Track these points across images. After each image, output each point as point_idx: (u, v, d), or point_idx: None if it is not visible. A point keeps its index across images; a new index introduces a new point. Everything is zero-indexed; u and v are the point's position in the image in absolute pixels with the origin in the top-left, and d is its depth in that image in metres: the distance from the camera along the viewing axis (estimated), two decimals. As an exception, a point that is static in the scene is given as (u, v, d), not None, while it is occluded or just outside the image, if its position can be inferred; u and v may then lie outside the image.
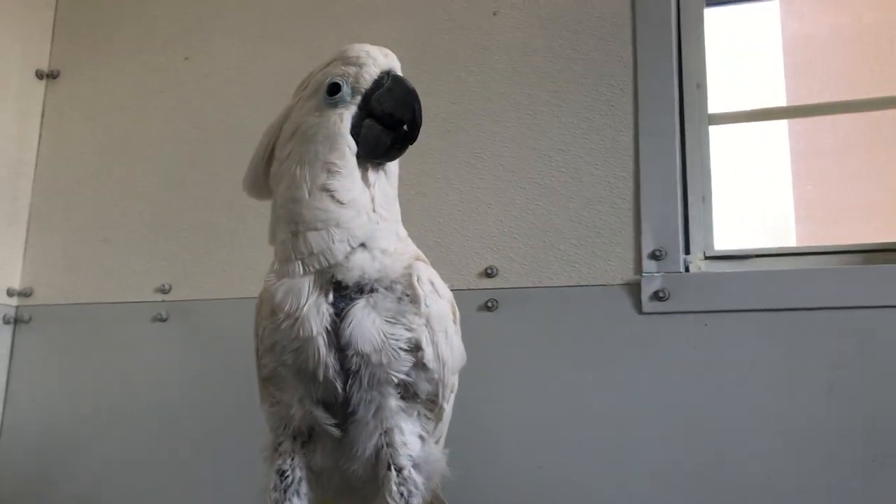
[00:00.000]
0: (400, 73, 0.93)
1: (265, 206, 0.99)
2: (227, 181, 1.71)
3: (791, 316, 1.37)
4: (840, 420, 1.31)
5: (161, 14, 1.89)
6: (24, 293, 1.80)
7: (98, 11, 1.95)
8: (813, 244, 1.60)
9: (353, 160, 0.91)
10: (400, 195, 1.59)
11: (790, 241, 2.04)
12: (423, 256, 0.96)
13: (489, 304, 1.52)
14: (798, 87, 2.10)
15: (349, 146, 0.91)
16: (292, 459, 0.94)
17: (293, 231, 0.91)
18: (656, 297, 1.44)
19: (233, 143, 1.73)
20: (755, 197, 2.06)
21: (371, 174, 0.92)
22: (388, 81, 0.92)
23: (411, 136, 0.92)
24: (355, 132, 0.91)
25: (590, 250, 1.50)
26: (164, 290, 1.71)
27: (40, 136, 1.88)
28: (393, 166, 0.95)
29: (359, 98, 0.92)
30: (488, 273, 1.54)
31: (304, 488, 0.94)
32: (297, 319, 0.88)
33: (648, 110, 1.53)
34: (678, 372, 1.40)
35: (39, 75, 1.92)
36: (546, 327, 1.49)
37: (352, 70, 0.92)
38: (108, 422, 1.68)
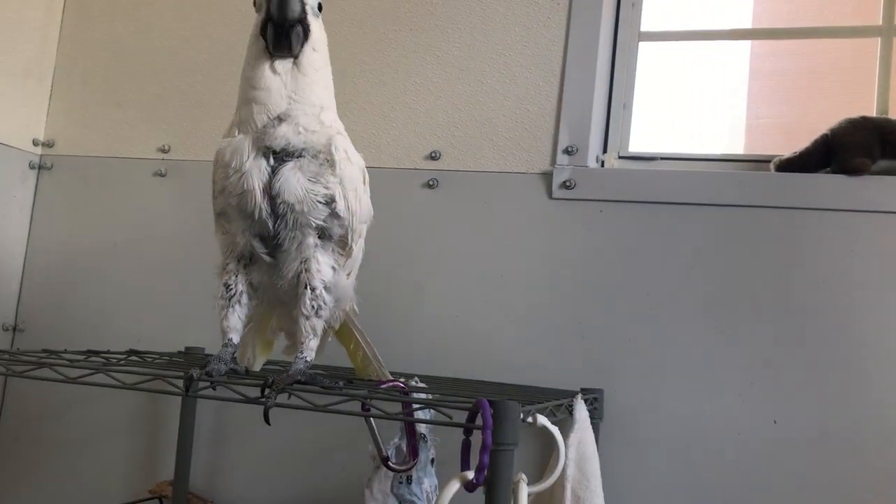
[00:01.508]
0: None
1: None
2: (224, 61, 1.98)
3: (670, 208, 1.65)
4: (696, 295, 1.61)
5: None
6: (48, 144, 2.11)
7: None
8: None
9: (263, 54, 1.17)
10: (362, 83, 1.86)
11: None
12: (344, 132, 1.24)
13: (431, 183, 1.81)
14: (764, 10, 2.27)
15: (259, 44, 1.18)
16: (236, 276, 1.24)
17: (237, 107, 1.20)
18: (564, 185, 1.72)
19: (231, 27, 1.99)
20: (710, 111, 2.23)
21: (278, 65, 1.18)
22: None
23: (283, 34, 1.16)
24: (264, 33, 1.17)
25: (516, 143, 1.77)
26: (164, 150, 2.01)
27: (64, 7, 2.14)
28: (307, 61, 1.20)
29: (265, 5, 1.18)
30: (432, 156, 1.82)
31: (244, 299, 1.24)
32: (243, 174, 1.17)
33: (579, 25, 1.76)
34: (576, 249, 1.70)
35: (66, -48, 2.15)
36: (476, 205, 1.78)
37: None
38: (116, 254, 2.00)
